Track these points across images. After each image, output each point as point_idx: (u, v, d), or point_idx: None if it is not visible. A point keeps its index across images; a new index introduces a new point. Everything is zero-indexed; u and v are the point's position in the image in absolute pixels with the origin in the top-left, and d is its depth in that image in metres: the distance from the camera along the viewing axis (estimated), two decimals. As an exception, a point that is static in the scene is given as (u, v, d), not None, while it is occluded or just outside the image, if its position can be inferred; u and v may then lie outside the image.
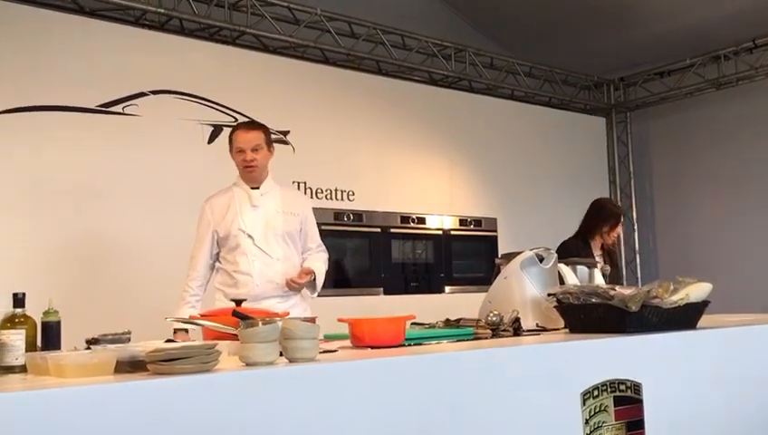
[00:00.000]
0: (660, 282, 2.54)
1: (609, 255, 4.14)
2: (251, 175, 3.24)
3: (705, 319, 2.68)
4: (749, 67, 6.45)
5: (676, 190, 7.15)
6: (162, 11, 4.77)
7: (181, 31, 5.05)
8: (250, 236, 3.19)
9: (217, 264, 3.28)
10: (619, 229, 4.11)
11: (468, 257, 6.08)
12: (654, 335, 2.43)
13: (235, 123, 4.92)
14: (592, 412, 2.16)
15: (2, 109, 4.07)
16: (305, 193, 5.22)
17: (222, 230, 3.21)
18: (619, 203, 6.83)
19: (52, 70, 4.26)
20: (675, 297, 2.49)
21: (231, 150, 3.27)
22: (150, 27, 4.88)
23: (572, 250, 3.86)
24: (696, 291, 2.57)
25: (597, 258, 4.02)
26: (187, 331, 3.04)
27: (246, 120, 4.97)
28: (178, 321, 2.73)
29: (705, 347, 2.59)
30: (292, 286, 3.20)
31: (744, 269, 6.36)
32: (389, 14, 6.01)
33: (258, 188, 3.27)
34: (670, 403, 2.38)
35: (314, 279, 3.26)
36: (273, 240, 3.22)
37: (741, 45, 6.43)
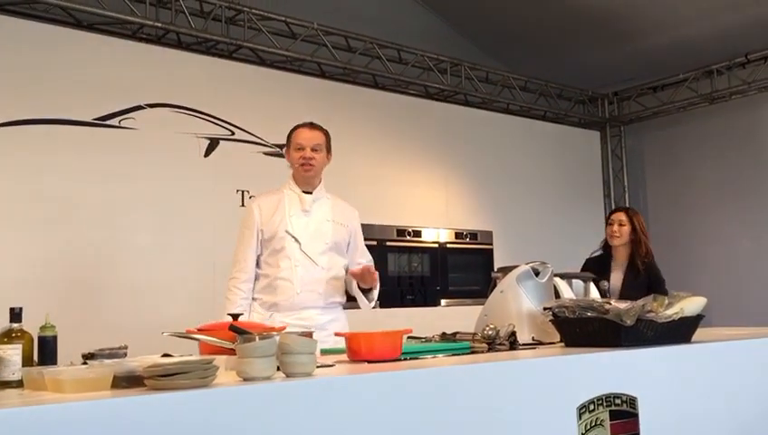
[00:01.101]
0: (655, 296, 2.55)
1: (649, 269, 4.00)
2: (307, 175, 3.11)
3: (699, 333, 2.69)
4: (742, 82, 6.50)
5: (670, 204, 7.19)
6: (159, 25, 4.79)
7: (178, 44, 5.07)
8: (297, 240, 3.04)
9: (257, 270, 3.10)
10: (614, 227, 4.08)
11: (464, 271, 6.09)
12: (649, 349, 2.43)
13: (232, 136, 4.96)
14: (588, 427, 2.17)
15: (-1, 122, 4.08)
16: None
17: (268, 231, 3.05)
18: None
19: (49, 83, 4.27)
20: (669, 311, 2.50)
21: (288, 149, 3.17)
22: (147, 41, 4.90)
23: (586, 265, 3.93)
24: (691, 305, 2.58)
25: (618, 270, 4.00)
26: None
27: (244, 132, 5.02)
28: (174, 335, 2.60)
29: (701, 361, 2.59)
30: (366, 277, 3.01)
31: (739, 282, 6.38)
32: (386, 29, 6.05)
33: (311, 193, 3.15)
34: (666, 417, 2.39)
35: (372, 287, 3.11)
36: (320, 248, 3.08)
37: (734, 60, 6.48)
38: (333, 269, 3.11)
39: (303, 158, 3.09)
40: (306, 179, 3.14)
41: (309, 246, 3.05)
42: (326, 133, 3.20)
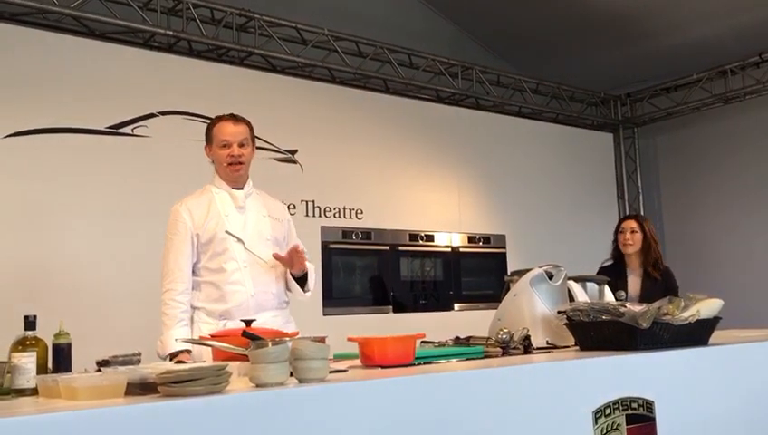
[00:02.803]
0: (671, 298, 2.53)
1: (666, 276, 3.99)
2: (236, 174, 2.87)
3: (716, 335, 2.66)
4: (756, 81, 6.44)
5: (684, 205, 7.13)
6: (171, 33, 4.82)
7: (190, 52, 5.09)
8: (239, 239, 2.80)
9: (196, 278, 2.82)
10: (626, 235, 4.06)
11: (477, 275, 6.07)
12: (665, 352, 2.41)
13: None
14: (605, 431, 2.15)
15: (13, 131, 4.11)
16: (314, 213, 5.23)
17: (205, 234, 2.78)
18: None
19: (62, 92, 4.30)
20: (686, 314, 2.47)
21: (209, 145, 2.91)
22: (159, 49, 4.93)
23: (600, 274, 3.89)
24: (707, 307, 2.56)
25: (634, 278, 3.97)
26: (189, 351, 2.65)
27: (256, 138, 5.03)
28: (188, 342, 2.57)
29: (718, 363, 2.57)
30: (295, 260, 2.78)
31: (755, 283, 6.31)
32: (396, 33, 6.05)
33: (241, 189, 2.91)
34: (683, 421, 2.36)
35: (306, 274, 2.91)
36: (264, 245, 2.85)
37: (748, 60, 6.42)
38: (279, 267, 2.88)
39: (231, 156, 2.84)
40: (235, 178, 2.90)
41: (253, 245, 2.82)
42: (250, 125, 2.95)
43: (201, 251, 2.81)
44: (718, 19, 6.06)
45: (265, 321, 2.69)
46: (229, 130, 2.85)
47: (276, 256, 2.83)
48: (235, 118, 2.91)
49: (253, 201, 2.95)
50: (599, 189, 7.19)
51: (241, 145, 2.86)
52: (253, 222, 2.89)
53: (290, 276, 2.90)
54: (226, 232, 2.79)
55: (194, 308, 2.81)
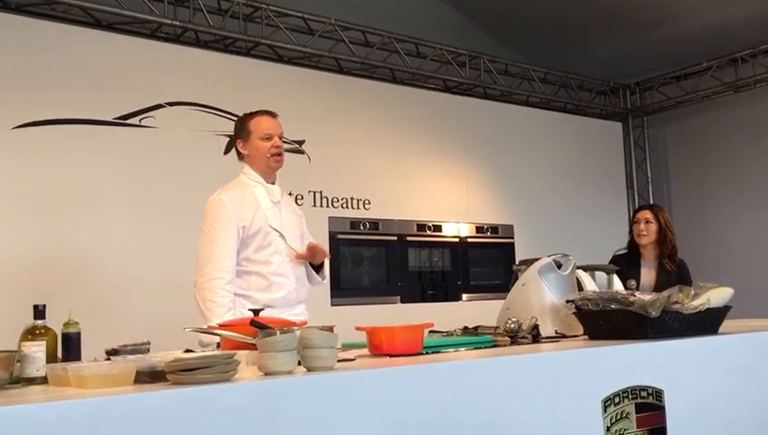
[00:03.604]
0: (681, 287, 2.51)
1: (681, 268, 3.97)
2: (279, 165, 2.95)
3: (726, 324, 2.65)
4: (767, 69, 6.39)
5: (693, 195, 7.09)
6: (178, 23, 4.81)
7: (197, 43, 5.09)
8: (281, 234, 2.87)
9: (241, 268, 2.87)
10: (641, 225, 4.03)
11: (485, 265, 6.06)
12: (675, 341, 2.40)
13: (250, 133, 4.97)
14: (614, 420, 2.14)
15: (21, 122, 4.12)
16: (321, 203, 5.23)
17: (252, 226, 2.83)
18: (636, 207, 6.77)
19: (69, 83, 4.31)
20: (696, 302, 2.46)
21: (243, 140, 2.96)
22: (166, 40, 4.93)
23: (613, 261, 3.89)
24: (718, 296, 2.54)
25: (648, 269, 3.96)
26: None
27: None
28: (197, 331, 2.59)
29: (728, 352, 2.55)
30: (318, 254, 2.93)
31: (765, 272, 6.28)
32: (403, 23, 6.03)
33: (274, 184, 2.99)
34: (693, 410, 2.35)
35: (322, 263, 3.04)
36: (296, 240, 2.96)
37: (758, 47, 6.37)
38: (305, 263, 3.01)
39: (276, 147, 2.92)
40: (273, 170, 2.98)
41: (290, 240, 2.91)
42: None
43: (246, 243, 2.84)
44: (729, 6, 6.01)
45: (301, 312, 2.85)
46: (270, 124, 2.95)
47: (300, 256, 2.95)
48: (270, 113, 3.00)
49: (284, 197, 3.07)
50: (607, 179, 7.16)
51: (280, 138, 2.97)
52: (286, 217, 2.98)
53: (308, 266, 3.01)
54: (270, 226, 2.86)
55: (235, 295, 2.84)
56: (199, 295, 2.78)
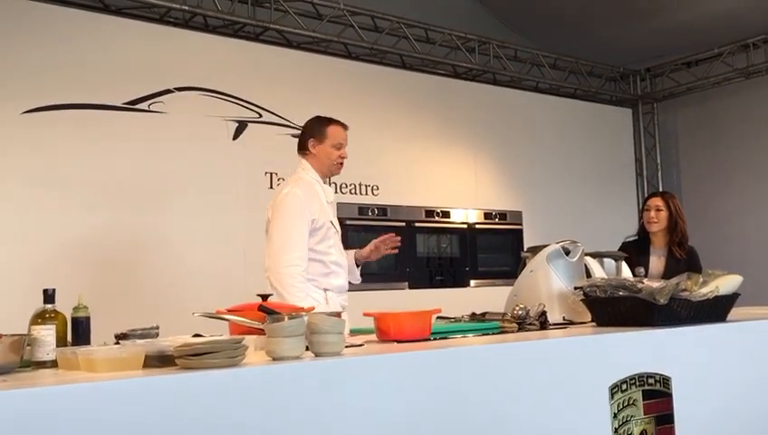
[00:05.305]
0: (689, 274, 2.50)
1: (690, 256, 3.93)
2: (337, 172, 3.28)
3: (735, 312, 2.64)
4: (779, 55, 6.33)
5: (704, 182, 7.05)
6: (186, 8, 4.80)
7: (205, 27, 5.08)
8: (337, 230, 3.18)
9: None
10: (651, 213, 4.01)
11: (494, 251, 6.05)
12: (683, 328, 2.40)
13: (259, 119, 4.97)
14: (621, 406, 2.15)
15: (30, 107, 4.13)
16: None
17: (319, 220, 3.08)
18: (646, 195, 6.74)
19: (79, 68, 4.31)
20: (704, 290, 2.45)
21: (321, 141, 3.17)
22: (175, 24, 4.92)
23: (623, 247, 3.86)
24: (726, 283, 2.54)
25: (658, 256, 3.94)
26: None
27: (272, 114, 5.03)
28: (205, 316, 2.63)
29: (736, 340, 2.55)
30: (382, 251, 3.26)
31: (776, 261, 6.25)
32: (412, 8, 5.99)
33: (328, 184, 3.30)
34: (700, 397, 2.35)
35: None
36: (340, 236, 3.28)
37: (771, 33, 6.31)
38: None
39: (342, 157, 3.21)
40: (332, 175, 3.29)
41: (341, 234, 3.23)
42: None
43: (313, 234, 3.07)
44: (741, -9, 5.95)
45: (346, 299, 3.15)
46: (344, 135, 3.22)
47: (365, 255, 3.29)
48: (344, 124, 3.26)
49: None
50: (617, 165, 7.13)
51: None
52: (334, 215, 3.25)
53: (354, 262, 3.30)
54: (330, 221, 3.13)
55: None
56: (277, 281, 2.97)
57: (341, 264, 3.16)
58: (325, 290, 3.08)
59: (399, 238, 3.31)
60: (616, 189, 7.03)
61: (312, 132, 3.21)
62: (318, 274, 3.08)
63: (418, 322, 2.23)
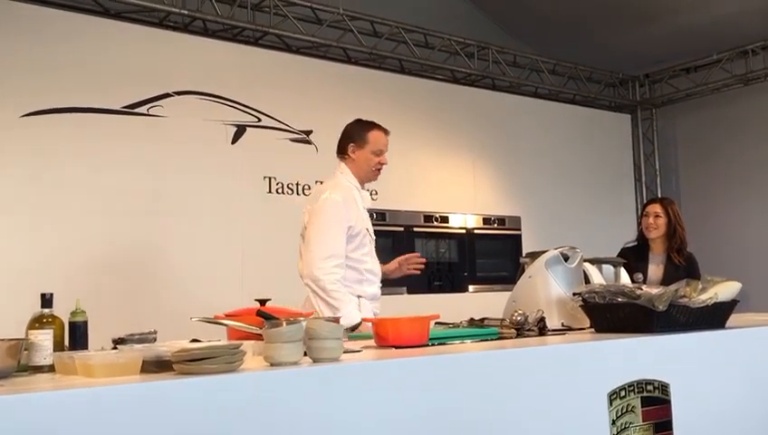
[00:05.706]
0: (688, 281, 2.50)
1: (690, 262, 3.95)
2: (375, 179, 3.23)
3: (734, 318, 2.64)
4: (778, 62, 6.34)
5: (702, 188, 7.05)
6: (186, 12, 4.81)
7: (205, 32, 5.08)
8: (372, 237, 3.15)
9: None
10: (650, 219, 4.01)
11: (492, 256, 6.05)
12: (682, 335, 2.39)
13: (258, 123, 4.97)
14: (619, 413, 2.14)
15: (29, 111, 4.13)
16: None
17: (356, 227, 3.04)
18: (645, 201, 6.74)
19: (78, 72, 4.31)
20: (703, 296, 2.45)
21: (362, 146, 3.14)
22: (174, 29, 4.92)
23: (622, 254, 3.86)
24: (725, 290, 2.53)
25: (656, 262, 3.93)
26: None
27: (271, 119, 5.03)
28: (203, 321, 2.61)
29: (735, 347, 2.54)
30: (404, 268, 3.27)
31: (774, 267, 6.25)
32: (412, 13, 6.00)
33: (367, 191, 3.28)
34: (699, 404, 2.35)
35: None
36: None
37: (769, 40, 6.32)
38: None
39: (382, 164, 3.17)
40: (369, 181, 3.23)
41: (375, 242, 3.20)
42: None
43: (349, 241, 3.04)
44: (740, -2, 5.96)
45: (376, 306, 3.12)
46: (385, 141, 3.17)
47: (390, 269, 3.30)
48: (385, 130, 3.23)
49: None
50: (616, 171, 7.13)
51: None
52: (369, 222, 3.19)
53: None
54: (365, 229, 3.10)
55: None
56: (318, 287, 2.95)
57: (375, 272, 3.13)
58: (359, 297, 3.06)
59: (425, 260, 3.30)
60: (615, 195, 7.03)
61: (353, 137, 3.16)
62: (352, 280, 3.05)
63: (417, 327, 2.22)
